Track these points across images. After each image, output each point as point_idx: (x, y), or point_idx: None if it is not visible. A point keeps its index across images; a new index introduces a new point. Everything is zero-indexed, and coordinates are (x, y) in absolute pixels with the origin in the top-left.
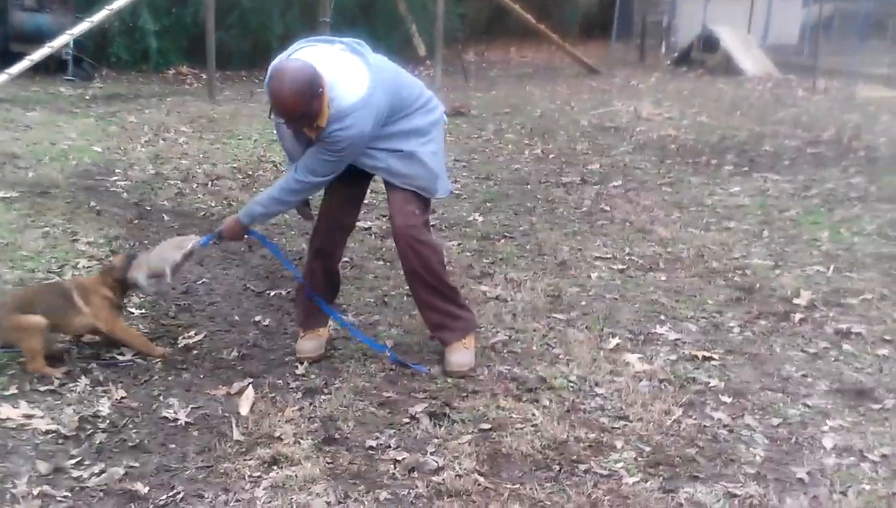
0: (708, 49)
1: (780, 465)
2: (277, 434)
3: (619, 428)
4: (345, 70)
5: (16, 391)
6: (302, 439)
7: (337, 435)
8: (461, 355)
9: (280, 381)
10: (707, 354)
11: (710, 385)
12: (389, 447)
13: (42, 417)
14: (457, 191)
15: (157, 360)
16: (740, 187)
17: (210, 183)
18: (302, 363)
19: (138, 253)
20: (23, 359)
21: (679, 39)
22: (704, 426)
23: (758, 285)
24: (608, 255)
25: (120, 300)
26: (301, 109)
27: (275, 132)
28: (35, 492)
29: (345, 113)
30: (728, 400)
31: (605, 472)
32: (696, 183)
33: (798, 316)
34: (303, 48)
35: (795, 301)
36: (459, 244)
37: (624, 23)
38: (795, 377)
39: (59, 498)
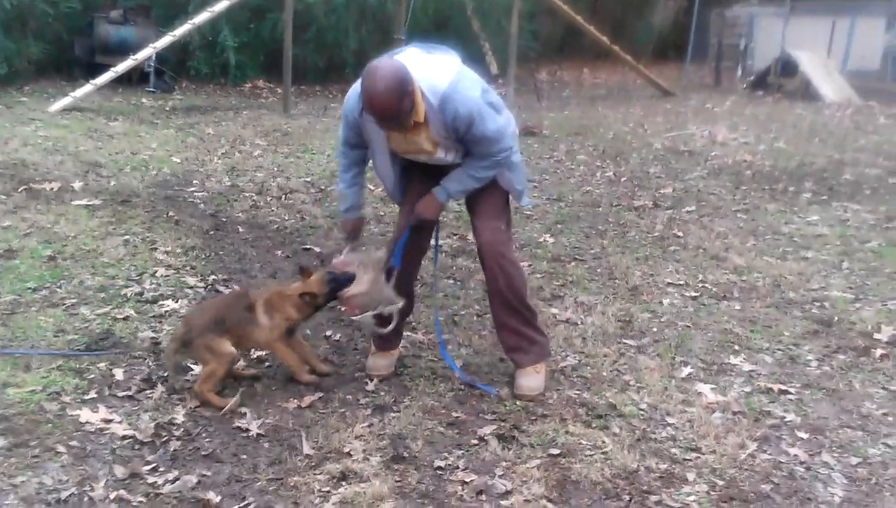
0: (786, 73)
1: (859, 506)
2: (347, 450)
3: (691, 460)
4: (432, 62)
5: (95, 395)
6: (371, 456)
7: (406, 454)
8: (532, 379)
9: (350, 397)
10: (783, 387)
11: (787, 419)
12: (458, 468)
13: (120, 422)
14: (527, 212)
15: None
16: (819, 216)
17: (284, 196)
18: (372, 379)
19: (336, 274)
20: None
21: (756, 63)
22: (780, 462)
23: (836, 318)
24: (681, 282)
25: (303, 320)
26: (393, 108)
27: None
28: (112, 496)
29: (447, 95)
30: (805, 435)
31: (677, 505)
32: (772, 210)
33: (879, 352)
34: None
35: (876, 336)
36: (530, 265)
37: (699, 45)
38: (876, 415)
39: (134, 504)
